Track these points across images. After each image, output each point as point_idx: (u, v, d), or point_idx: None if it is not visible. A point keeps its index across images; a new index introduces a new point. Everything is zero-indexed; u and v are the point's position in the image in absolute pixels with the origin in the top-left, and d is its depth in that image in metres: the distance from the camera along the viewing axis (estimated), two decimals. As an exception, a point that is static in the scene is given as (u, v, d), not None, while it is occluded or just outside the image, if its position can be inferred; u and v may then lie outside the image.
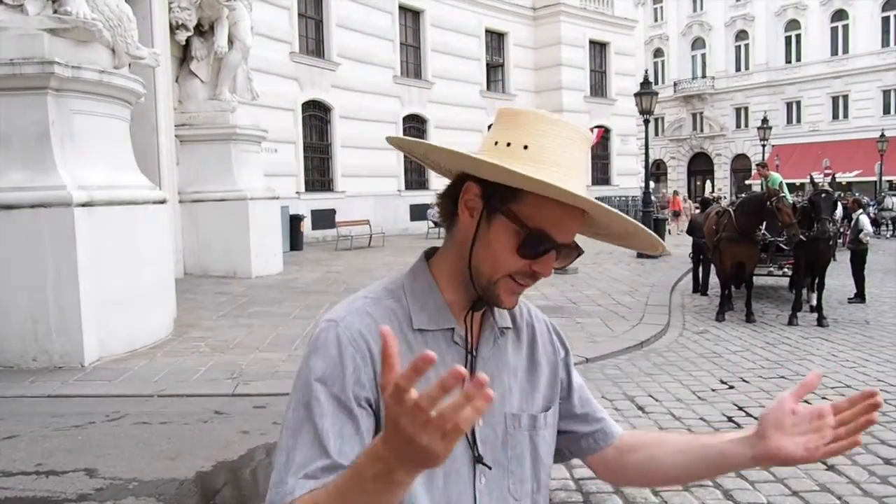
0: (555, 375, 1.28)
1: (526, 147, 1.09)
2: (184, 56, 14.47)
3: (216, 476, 4.78)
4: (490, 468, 1.15)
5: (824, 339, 8.92)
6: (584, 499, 4.25)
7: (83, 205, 7.22)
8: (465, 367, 1.12)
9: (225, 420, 5.81)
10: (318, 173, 23.91)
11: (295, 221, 19.26)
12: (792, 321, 9.89)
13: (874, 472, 4.68)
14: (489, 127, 1.23)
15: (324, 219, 22.36)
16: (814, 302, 10.37)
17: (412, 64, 27.36)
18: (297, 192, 22.13)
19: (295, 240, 19.13)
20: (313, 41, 23.48)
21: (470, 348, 1.16)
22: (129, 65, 8.45)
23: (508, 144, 1.11)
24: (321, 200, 23.01)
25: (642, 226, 1.14)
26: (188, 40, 14.27)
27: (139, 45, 8.32)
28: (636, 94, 20.04)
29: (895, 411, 5.94)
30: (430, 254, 1.24)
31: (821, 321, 9.80)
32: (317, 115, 23.71)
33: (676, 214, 29.24)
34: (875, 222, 22.89)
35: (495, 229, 1.10)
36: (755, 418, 5.57)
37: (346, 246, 20.15)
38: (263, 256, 14.04)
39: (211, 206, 13.68)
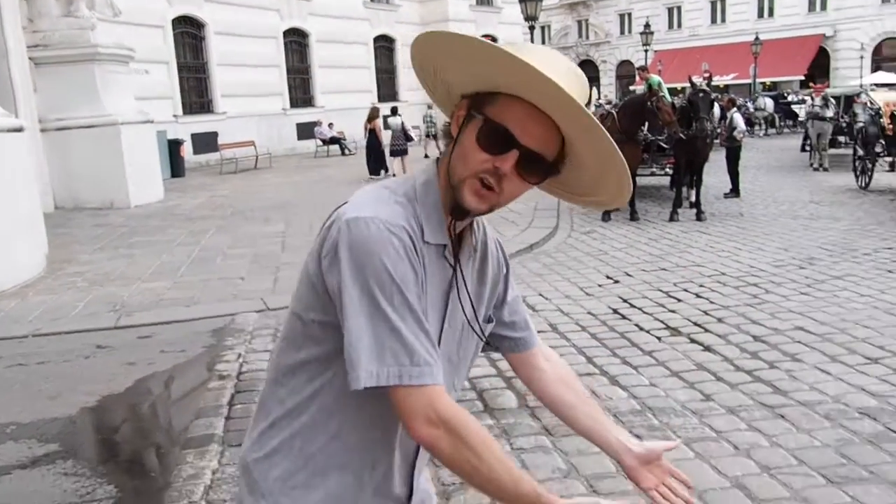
0: (495, 289, 1.43)
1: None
2: (30, -32, 13.16)
3: (103, 411, 4.59)
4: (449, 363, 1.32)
5: (702, 233, 9.36)
6: (477, 396, 4.34)
7: (-76, 135, 6.55)
8: (451, 281, 1.27)
9: (108, 354, 5.57)
10: (196, 94, 22.73)
11: (174, 146, 18.34)
12: (673, 217, 10.33)
13: (745, 348, 4.99)
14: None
15: (205, 142, 21.39)
16: (693, 198, 10.85)
17: (290, -26, 26.01)
18: (175, 116, 21.04)
19: (176, 166, 18.27)
20: (179, -49, 21.88)
21: (455, 265, 1.27)
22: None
23: None
24: (201, 123, 21.97)
25: (615, 146, 1.19)
26: (33, -51, 12.96)
27: (-29, -47, 7.45)
28: (521, 1, 19.82)
29: (764, 294, 6.34)
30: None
31: (699, 216, 10.26)
32: (189, 33, 22.35)
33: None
34: (749, 122, 23.91)
35: (468, 129, 1.21)
36: (639, 309, 5.83)
37: (232, 169, 19.46)
38: (141, 184, 13.32)
39: (78, 134, 12.76)
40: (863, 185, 12.56)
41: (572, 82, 1.17)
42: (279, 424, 1.28)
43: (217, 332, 5.86)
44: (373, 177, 16.27)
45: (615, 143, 1.19)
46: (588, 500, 1.24)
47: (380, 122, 17.17)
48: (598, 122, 1.15)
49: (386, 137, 16.85)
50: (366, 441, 1.28)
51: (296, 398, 1.27)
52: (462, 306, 1.30)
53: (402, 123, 16.86)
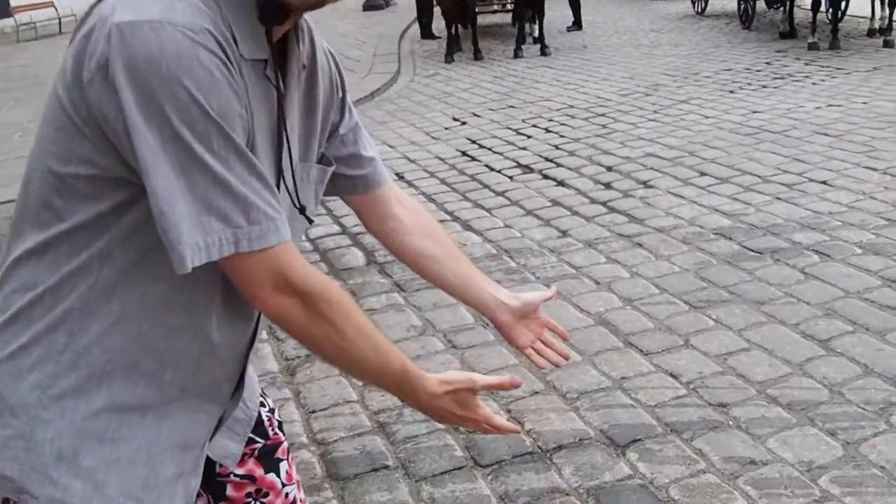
0: (328, 117, 1.11)
1: None
2: None
3: None
4: (312, 222, 1.09)
5: (548, 67, 9.10)
6: (321, 257, 3.94)
7: None
8: (280, 111, 0.94)
9: None
10: (-30, -53, 19.44)
11: (-47, 12, 15.77)
12: (517, 54, 9.99)
13: (599, 180, 4.81)
14: None
15: (-7, 6, 18.55)
16: (536, 33, 10.55)
17: None
18: (-51, -25, 17.99)
19: (-41, 35, 15.79)
20: None
21: (279, 86, 0.93)
22: None
23: None
24: (-16, -17, 18.95)
25: None
26: None
27: None
28: None
29: (613, 123, 6.18)
30: None
31: (543, 50, 10.00)
32: None
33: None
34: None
35: None
36: (488, 149, 5.53)
37: (31, 36, 17.12)
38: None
39: None
40: (699, 10, 12.62)
41: None
42: (28, 315, 0.92)
43: (15, 219, 5.07)
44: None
45: None
46: (460, 374, 1.09)
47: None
48: None
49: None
50: (163, 328, 0.94)
51: (52, 279, 0.91)
52: (290, 145, 0.97)
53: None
